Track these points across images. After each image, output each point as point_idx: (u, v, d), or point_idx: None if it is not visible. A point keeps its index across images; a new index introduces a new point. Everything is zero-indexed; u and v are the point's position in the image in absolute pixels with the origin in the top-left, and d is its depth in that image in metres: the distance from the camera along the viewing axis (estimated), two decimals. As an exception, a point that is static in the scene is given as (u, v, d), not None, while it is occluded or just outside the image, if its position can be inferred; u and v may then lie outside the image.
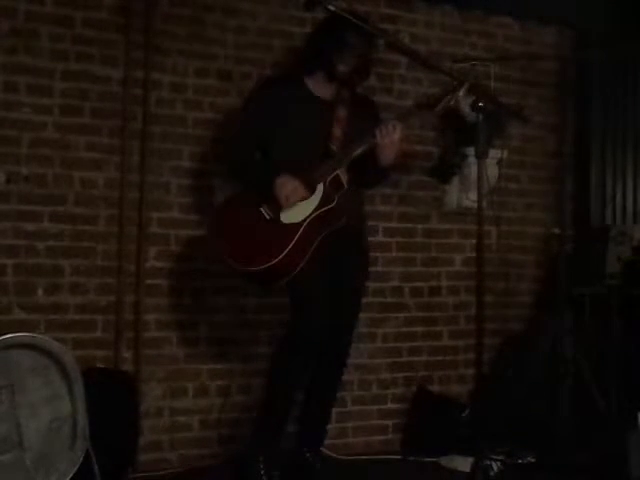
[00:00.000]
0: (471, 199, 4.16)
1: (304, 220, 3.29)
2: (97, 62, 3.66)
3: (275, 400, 3.41)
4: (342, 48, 3.33)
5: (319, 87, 3.45)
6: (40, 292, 3.55)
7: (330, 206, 3.32)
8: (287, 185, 3.28)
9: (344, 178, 3.36)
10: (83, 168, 3.64)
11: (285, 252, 3.21)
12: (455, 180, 4.32)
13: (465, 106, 3.90)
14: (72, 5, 3.61)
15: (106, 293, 3.67)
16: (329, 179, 3.33)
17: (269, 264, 3.19)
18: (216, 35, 3.88)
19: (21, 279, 3.52)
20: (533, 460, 3.85)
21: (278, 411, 3.41)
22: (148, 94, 3.74)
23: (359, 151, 3.36)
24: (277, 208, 3.29)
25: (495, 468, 3.49)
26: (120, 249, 3.69)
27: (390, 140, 3.33)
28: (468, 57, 4.33)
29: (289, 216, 3.30)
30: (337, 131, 3.41)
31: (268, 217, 3.28)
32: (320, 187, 3.33)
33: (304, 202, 3.31)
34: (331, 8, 2.98)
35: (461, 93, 3.35)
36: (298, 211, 3.31)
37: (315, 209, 3.31)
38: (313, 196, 3.32)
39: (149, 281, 3.74)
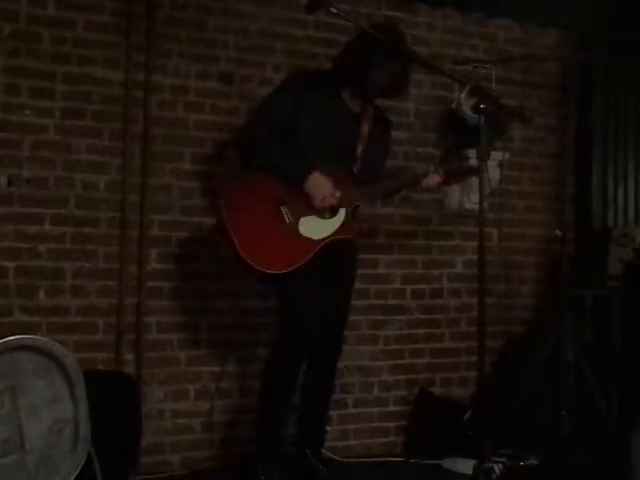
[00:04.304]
0: (472, 201, 4.15)
1: (322, 240, 3.28)
2: (98, 65, 3.67)
3: (270, 402, 3.41)
4: (373, 68, 3.30)
5: (348, 98, 3.43)
6: (42, 294, 3.56)
7: (348, 236, 3.35)
8: (324, 187, 3.27)
9: (359, 208, 3.43)
10: (84, 170, 3.64)
11: (295, 266, 3.21)
12: (456, 182, 4.32)
13: (467, 108, 3.90)
14: (74, 8, 3.62)
15: (107, 295, 3.67)
16: (352, 207, 3.36)
17: (277, 271, 3.19)
18: (217, 37, 3.89)
19: (23, 281, 3.52)
20: (535, 462, 3.85)
21: (274, 412, 3.41)
22: (149, 97, 3.74)
23: (387, 193, 3.55)
24: (298, 213, 3.27)
25: (497, 470, 3.46)
26: (121, 251, 3.69)
27: (432, 187, 3.50)
28: (469, 59, 4.33)
29: (307, 228, 3.29)
30: (359, 149, 3.42)
31: (287, 221, 3.27)
32: (342, 212, 3.34)
33: (325, 220, 3.32)
34: (333, 10, 2.98)
35: (463, 95, 3.36)
36: (317, 227, 3.30)
37: (334, 233, 3.31)
38: (335, 218, 3.33)
39: (150, 283, 3.74)
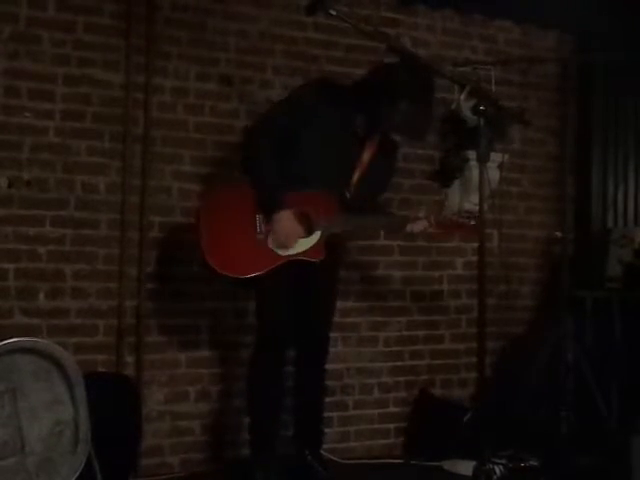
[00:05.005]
0: (472, 202, 4.15)
1: (286, 256, 3.26)
2: (99, 67, 3.67)
3: (257, 404, 3.41)
4: (396, 110, 3.26)
5: (360, 123, 3.39)
6: (42, 296, 3.56)
7: (314, 260, 3.29)
8: (288, 228, 3.23)
9: (337, 237, 3.38)
10: (85, 172, 3.64)
11: (252, 275, 3.21)
12: (456, 183, 4.32)
13: (466, 110, 3.90)
14: (74, 10, 3.62)
15: (108, 297, 3.67)
16: (329, 233, 3.30)
17: (233, 275, 3.21)
18: (217, 39, 3.89)
19: (23, 283, 3.52)
20: (536, 464, 3.84)
21: (263, 414, 3.41)
22: (149, 98, 3.74)
23: (369, 229, 3.59)
24: (271, 225, 3.25)
25: (498, 472, 3.48)
26: (122, 253, 3.69)
27: (416, 232, 3.47)
28: (469, 61, 4.34)
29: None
30: (355, 176, 3.39)
31: (259, 230, 3.25)
32: (317, 234, 3.29)
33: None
34: (332, 12, 2.98)
35: (462, 97, 3.36)
36: None
37: (302, 253, 3.27)
38: (307, 238, 3.29)
39: (150, 285, 3.75)
